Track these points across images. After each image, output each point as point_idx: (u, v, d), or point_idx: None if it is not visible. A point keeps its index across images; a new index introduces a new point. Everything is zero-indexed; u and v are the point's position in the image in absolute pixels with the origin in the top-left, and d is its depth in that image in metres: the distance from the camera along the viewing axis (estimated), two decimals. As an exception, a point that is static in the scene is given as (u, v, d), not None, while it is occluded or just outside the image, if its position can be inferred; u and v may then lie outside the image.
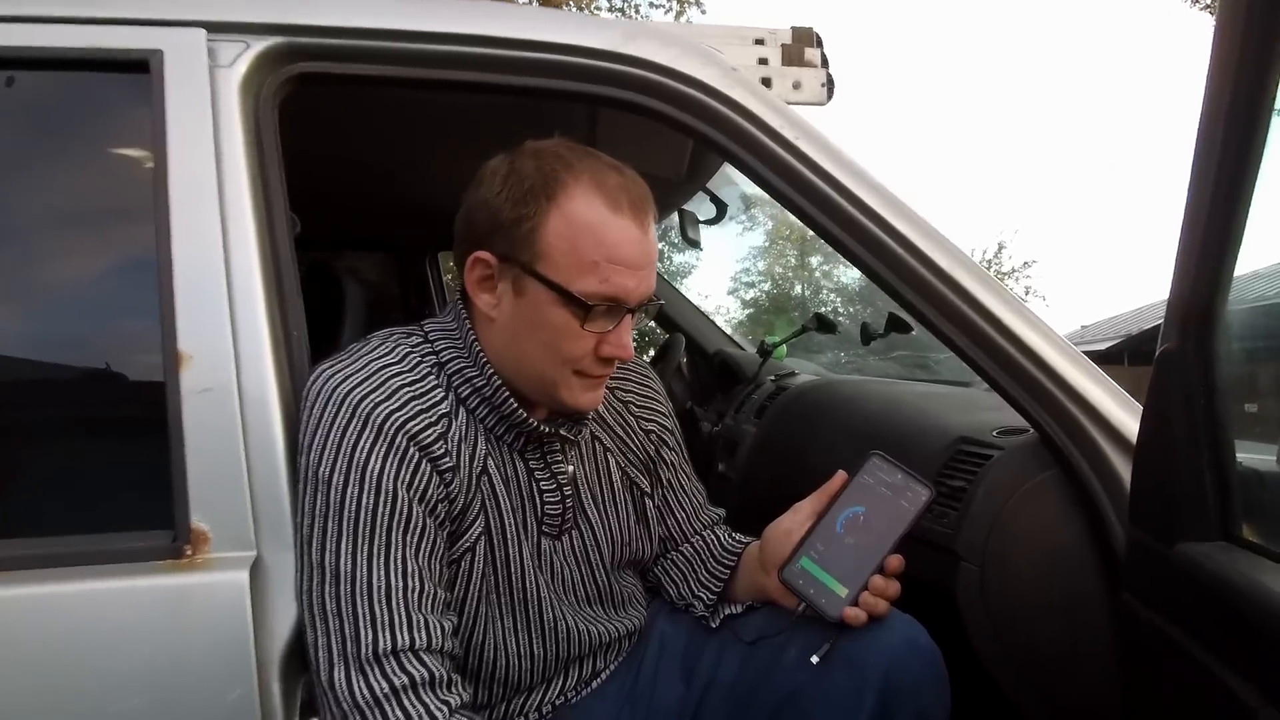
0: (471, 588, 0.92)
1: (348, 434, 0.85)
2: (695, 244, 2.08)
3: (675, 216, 2.13)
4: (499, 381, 0.93)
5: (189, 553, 0.83)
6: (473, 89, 1.05)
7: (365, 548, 0.82)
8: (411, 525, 0.85)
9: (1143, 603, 0.92)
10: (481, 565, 0.92)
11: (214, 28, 0.95)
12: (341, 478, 0.83)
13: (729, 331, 2.60)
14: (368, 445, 0.84)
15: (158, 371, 0.86)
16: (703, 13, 10.49)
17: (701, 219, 2.09)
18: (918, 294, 1.06)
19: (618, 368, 1.05)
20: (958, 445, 1.24)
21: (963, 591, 1.11)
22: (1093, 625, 1.05)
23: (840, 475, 0.99)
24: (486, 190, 0.91)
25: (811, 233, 1.11)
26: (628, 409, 1.08)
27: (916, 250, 1.05)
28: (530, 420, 0.94)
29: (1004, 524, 1.09)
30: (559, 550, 0.99)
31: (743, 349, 2.53)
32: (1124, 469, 1.03)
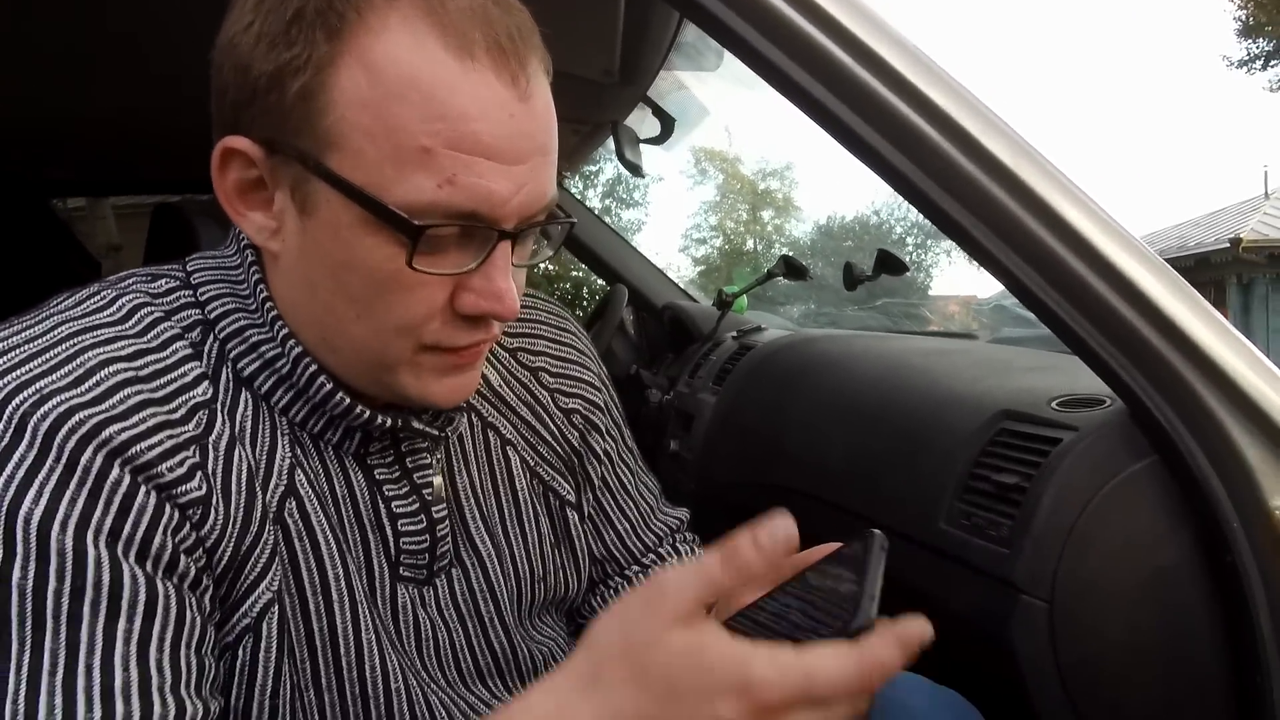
0: (265, 685, 0.55)
1: None
2: (635, 169, 1.69)
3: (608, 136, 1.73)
4: (299, 350, 0.56)
5: None
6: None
7: (29, 658, 0.45)
8: (124, 604, 0.48)
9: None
10: (278, 648, 0.56)
11: None
12: None
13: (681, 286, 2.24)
14: (23, 472, 0.47)
15: None
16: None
17: (643, 137, 1.69)
18: (952, 194, 0.70)
19: (515, 323, 0.68)
20: (1001, 423, 0.89)
21: (1023, 637, 0.77)
22: (1208, 685, 0.75)
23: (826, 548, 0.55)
24: (234, 22, 0.52)
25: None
26: (537, 379, 0.71)
27: (955, 128, 0.69)
28: (361, 411, 0.57)
29: (1082, 540, 0.76)
30: (428, 602, 0.63)
31: (696, 301, 2.17)
32: (1259, 457, 0.71)
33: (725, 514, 0.77)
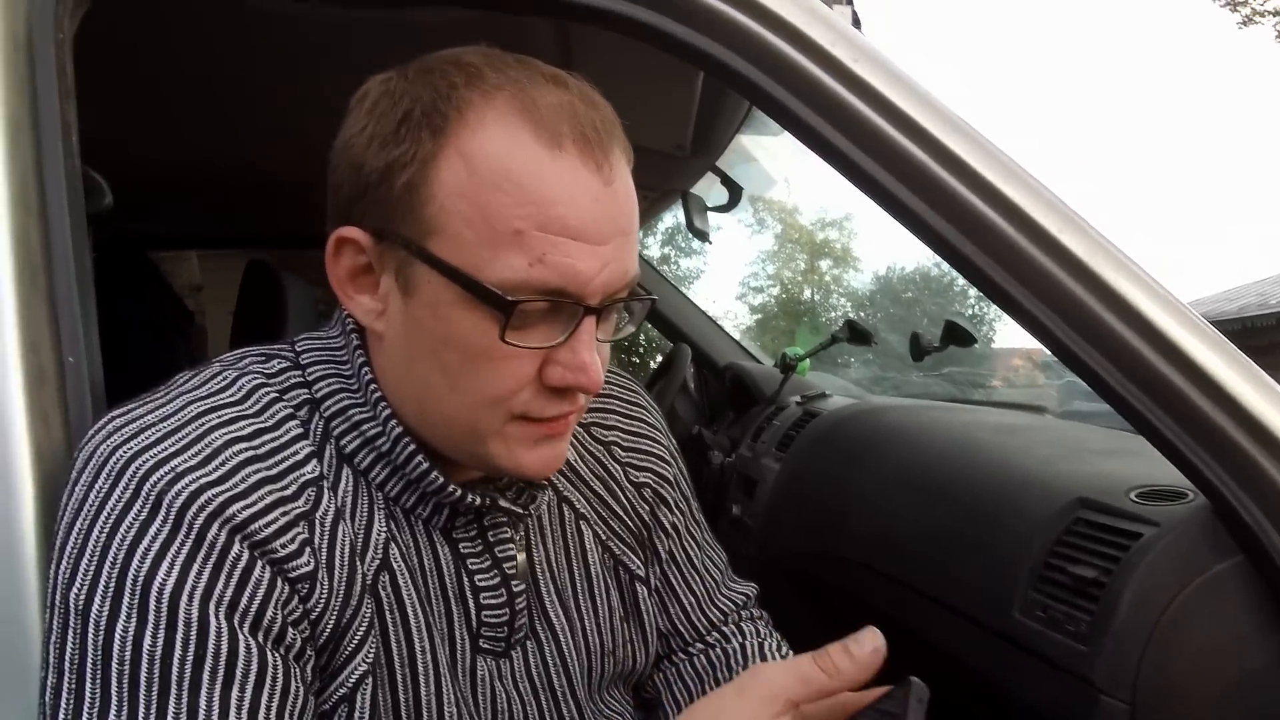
0: None
1: (124, 528, 0.51)
2: (703, 236, 1.72)
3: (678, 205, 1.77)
4: (399, 430, 0.59)
5: None
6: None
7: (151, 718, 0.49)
8: (239, 673, 0.51)
9: None
10: (370, 718, 0.58)
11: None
12: (108, 604, 0.50)
13: (739, 338, 2.25)
14: (158, 546, 0.51)
15: None
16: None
17: (710, 205, 1.73)
18: (1022, 283, 0.70)
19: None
20: (1077, 512, 0.87)
21: (1102, 740, 0.74)
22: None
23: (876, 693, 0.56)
24: (350, 127, 0.57)
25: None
26: (610, 453, 0.73)
27: (1028, 221, 0.70)
28: (453, 490, 0.60)
29: (1165, 640, 0.74)
30: (504, 674, 0.65)
31: (759, 361, 2.17)
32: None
33: (788, 582, 0.78)
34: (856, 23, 0.93)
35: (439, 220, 0.53)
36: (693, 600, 0.78)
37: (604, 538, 0.71)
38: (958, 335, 1.43)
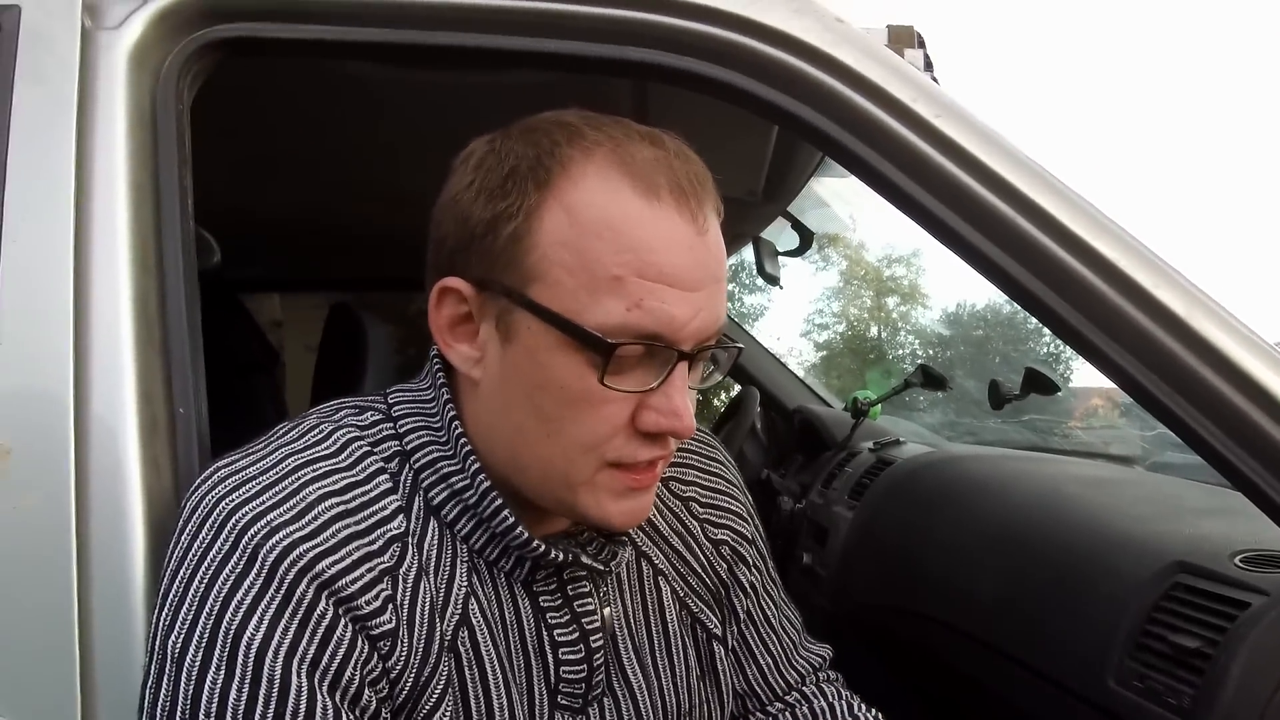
0: None
1: (221, 579, 0.53)
2: (774, 281, 1.72)
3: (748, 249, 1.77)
4: (487, 484, 0.60)
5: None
6: (468, 59, 0.74)
7: None
8: None
9: None
10: None
11: (97, -26, 0.67)
12: (200, 654, 0.52)
13: (805, 376, 2.22)
14: (250, 599, 0.52)
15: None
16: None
17: (781, 250, 1.73)
18: (1117, 340, 0.68)
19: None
20: (1176, 576, 0.83)
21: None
22: None
23: None
24: (456, 183, 0.59)
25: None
26: (688, 509, 0.73)
27: (1125, 280, 0.68)
28: (536, 544, 0.60)
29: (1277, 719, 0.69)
30: None
31: (828, 404, 2.14)
32: None
33: (861, 636, 0.75)
34: (929, 66, 0.93)
35: (540, 268, 0.55)
36: (770, 661, 0.77)
37: (682, 594, 0.71)
38: (1039, 383, 1.38)
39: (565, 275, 0.55)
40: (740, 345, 0.64)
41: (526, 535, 0.60)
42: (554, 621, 0.63)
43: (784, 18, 0.71)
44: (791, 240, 1.70)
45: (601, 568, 0.64)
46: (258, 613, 0.52)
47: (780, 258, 1.73)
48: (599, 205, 0.55)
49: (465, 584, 0.61)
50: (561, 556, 0.61)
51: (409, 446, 0.62)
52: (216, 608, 0.52)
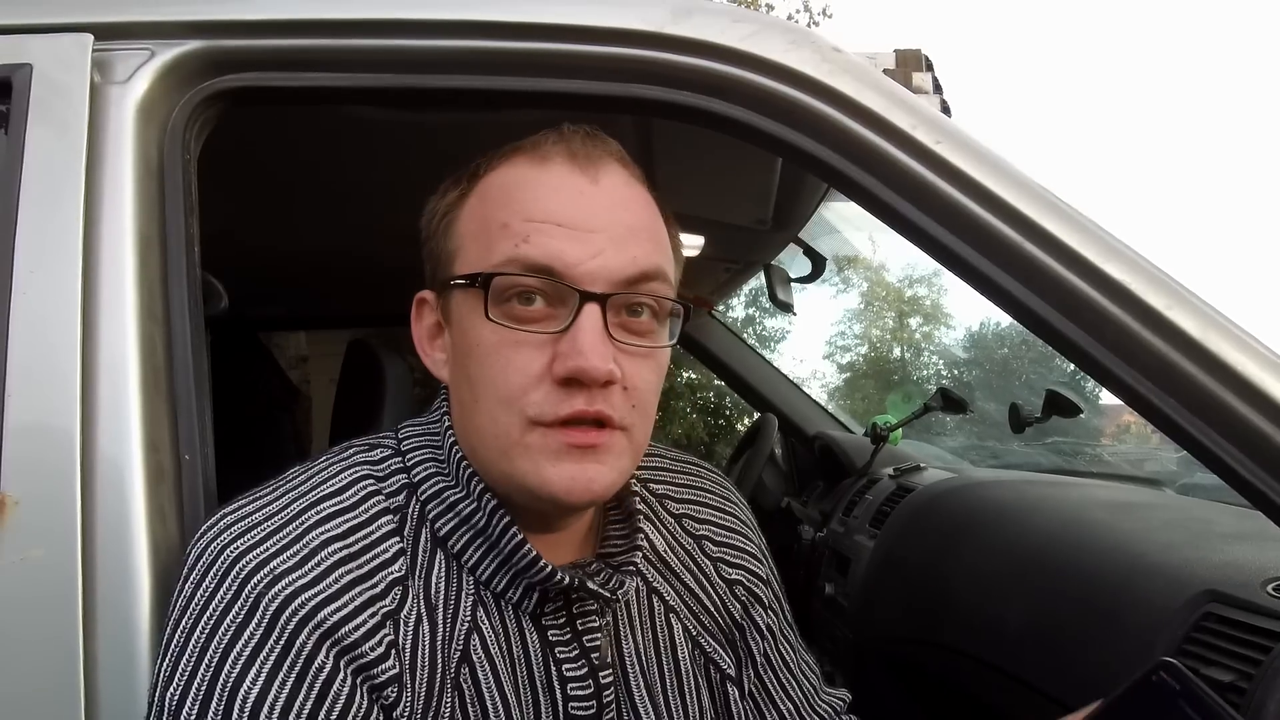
0: None
1: (222, 629, 0.53)
2: (787, 308, 1.71)
3: (760, 277, 1.77)
4: (494, 503, 0.59)
5: None
6: (469, 101, 0.75)
7: None
8: None
9: None
10: None
11: (105, 31, 0.69)
12: (197, 707, 0.51)
13: (825, 399, 2.20)
14: (249, 651, 0.52)
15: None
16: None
17: (793, 276, 1.72)
18: (1130, 363, 0.66)
19: (685, 479, 0.72)
20: (1207, 605, 0.80)
21: None
22: None
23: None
24: (433, 200, 0.66)
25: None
26: (701, 547, 0.72)
27: (1137, 303, 0.66)
28: (544, 565, 0.59)
29: (1320, 756, 0.66)
30: None
31: (848, 429, 2.12)
32: None
33: (884, 667, 0.73)
34: (938, 88, 0.93)
35: (458, 247, 0.61)
36: (790, 706, 0.74)
37: (694, 633, 0.69)
38: (1061, 406, 1.36)
39: (471, 243, 0.60)
40: (687, 303, 0.63)
41: (535, 553, 0.59)
42: (562, 656, 0.62)
43: (781, 49, 0.71)
44: (804, 266, 1.69)
45: (608, 595, 0.63)
46: (256, 664, 0.52)
47: (793, 284, 1.72)
48: (499, 183, 0.61)
49: (469, 619, 0.60)
50: (568, 580, 0.60)
51: (416, 479, 0.62)
52: (216, 659, 0.52)
